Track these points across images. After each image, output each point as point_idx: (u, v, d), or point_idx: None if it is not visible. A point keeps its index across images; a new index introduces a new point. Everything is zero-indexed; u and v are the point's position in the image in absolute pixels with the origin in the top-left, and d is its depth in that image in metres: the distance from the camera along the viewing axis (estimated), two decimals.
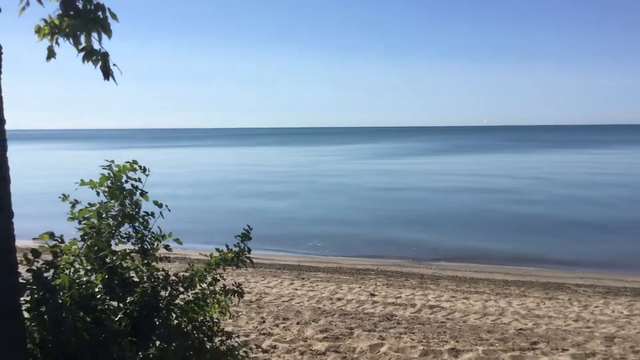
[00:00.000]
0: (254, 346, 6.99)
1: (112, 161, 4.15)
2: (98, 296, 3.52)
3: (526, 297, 11.11)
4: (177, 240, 3.98)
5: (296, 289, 11.11)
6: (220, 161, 60.31)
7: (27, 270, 3.08)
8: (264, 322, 8.70)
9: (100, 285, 3.59)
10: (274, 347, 7.58)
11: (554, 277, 13.31)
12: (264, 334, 8.11)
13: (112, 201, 4.03)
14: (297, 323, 8.66)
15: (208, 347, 3.91)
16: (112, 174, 4.07)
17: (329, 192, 30.12)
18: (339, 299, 10.36)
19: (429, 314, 9.51)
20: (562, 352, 7.54)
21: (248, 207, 24.82)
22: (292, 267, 13.86)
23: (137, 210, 4.01)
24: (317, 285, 11.53)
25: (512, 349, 7.61)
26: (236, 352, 4.17)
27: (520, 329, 8.63)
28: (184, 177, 39.69)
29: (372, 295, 10.80)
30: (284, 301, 10.08)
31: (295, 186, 32.96)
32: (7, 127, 2.81)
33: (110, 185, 4.07)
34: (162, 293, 3.92)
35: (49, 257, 3.53)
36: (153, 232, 4.03)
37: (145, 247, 3.92)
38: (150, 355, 3.37)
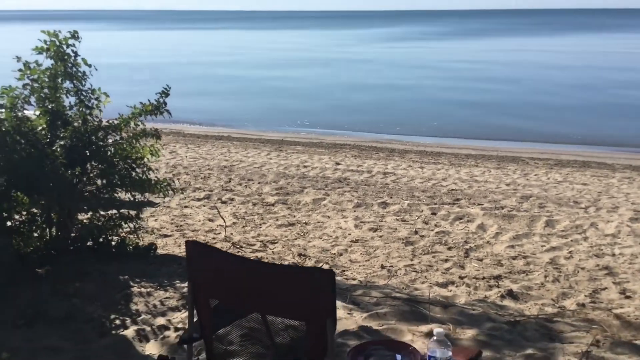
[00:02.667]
0: (176, 181, 8.33)
1: (59, 31, 5.26)
2: (42, 132, 4.78)
3: (477, 167, 12.28)
4: (105, 94, 5.16)
5: (270, 159, 12.43)
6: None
7: None
8: (229, 181, 10.10)
9: (44, 125, 4.84)
10: (232, 199, 8.98)
11: (514, 152, 14.40)
12: (226, 189, 9.52)
13: (59, 63, 5.19)
14: (259, 183, 10.03)
15: (132, 174, 5.19)
16: (57, 42, 5.19)
17: (333, 75, 30.85)
18: (305, 167, 11.66)
19: (380, 178, 10.78)
20: (476, 205, 8.81)
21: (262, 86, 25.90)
22: (275, 141, 15.15)
23: (76, 70, 5.16)
24: (291, 156, 12.83)
25: (434, 203, 8.90)
26: (160, 184, 5.46)
27: (452, 190, 9.88)
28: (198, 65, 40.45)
29: (337, 164, 12.08)
30: (255, 167, 11.42)
31: (307, 69, 33.66)
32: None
33: (56, 50, 5.19)
34: (99, 134, 5.17)
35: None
36: (89, 88, 5.21)
37: (82, 98, 5.11)
38: (79, 173, 4.66)
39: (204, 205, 8.56)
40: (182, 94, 23.26)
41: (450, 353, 1.94)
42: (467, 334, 3.82)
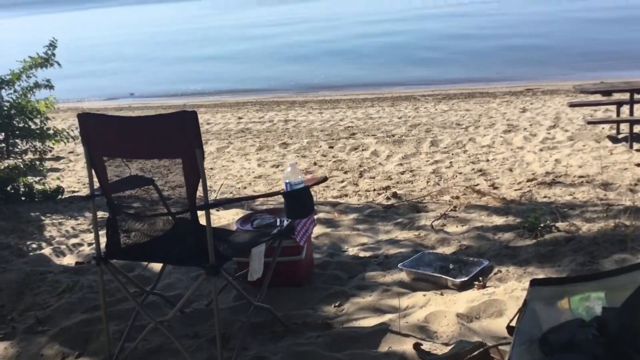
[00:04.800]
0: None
1: None
2: None
3: (373, 107, 13.03)
4: None
5: None
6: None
7: None
8: None
9: None
10: None
11: (408, 93, 15.27)
12: None
13: None
14: None
15: (31, 126, 5.43)
16: None
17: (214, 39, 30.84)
18: (208, 124, 11.99)
19: (281, 125, 11.29)
20: (370, 136, 9.52)
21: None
22: (176, 106, 15.28)
23: None
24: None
25: (332, 139, 9.54)
26: (59, 134, 5.72)
27: (348, 127, 10.56)
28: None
29: (240, 118, 12.48)
30: None
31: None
32: None
33: None
34: None
35: None
36: None
37: None
38: None
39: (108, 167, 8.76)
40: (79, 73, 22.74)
41: (301, 178, 2.48)
42: (349, 216, 4.44)
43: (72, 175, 8.24)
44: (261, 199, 6.08)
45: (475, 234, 3.65)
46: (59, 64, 5.60)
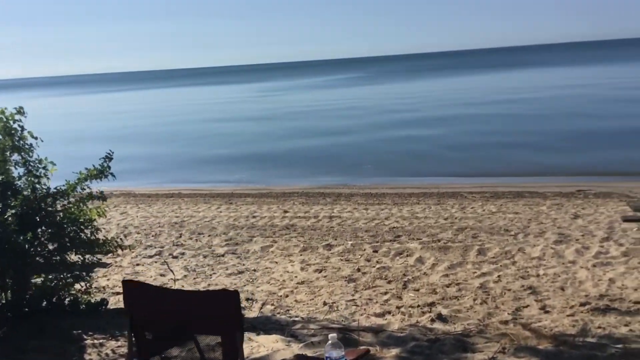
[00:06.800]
0: (122, 238, 8.66)
1: (5, 108, 5.66)
2: None
3: (419, 204, 12.93)
4: (52, 163, 5.57)
5: (220, 212, 12.82)
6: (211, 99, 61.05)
7: None
8: (180, 237, 10.44)
9: None
10: (182, 253, 9.33)
11: (454, 188, 15.15)
12: (176, 245, 9.86)
13: (7, 137, 5.58)
14: (209, 236, 10.42)
15: (82, 236, 5.56)
16: (3, 118, 5.59)
17: (271, 127, 31.64)
18: (254, 217, 12.09)
19: (326, 222, 11.29)
20: (415, 240, 9.39)
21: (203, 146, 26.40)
22: (225, 195, 15.56)
23: (23, 143, 5.56)
24: (240, 208, 13.26)
25: (377, 242, 9.45)
26: (108, 243, 5.83)
27: (393, 227, 10.46)
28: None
29: (285, 212, 12.56)
30: (205, 221, 11.79)
31: (243, 122, 34.39)
32: None
33: (3, 126, 5.59)
34: (48, 200, 5.54)
35: None
36: (36, 159, 5.60)
37: (30, 168, 5.50)
38: (30, 238, 5.02)
39: (155, 262, 8.87)
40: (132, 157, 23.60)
41: (343, 353, 2.40)
42: (392, 352, 4.29)
43: (119, 272, 8.35)
44: (303, 321, 6.00)
45: None
46: (113, 176, 5.78)
